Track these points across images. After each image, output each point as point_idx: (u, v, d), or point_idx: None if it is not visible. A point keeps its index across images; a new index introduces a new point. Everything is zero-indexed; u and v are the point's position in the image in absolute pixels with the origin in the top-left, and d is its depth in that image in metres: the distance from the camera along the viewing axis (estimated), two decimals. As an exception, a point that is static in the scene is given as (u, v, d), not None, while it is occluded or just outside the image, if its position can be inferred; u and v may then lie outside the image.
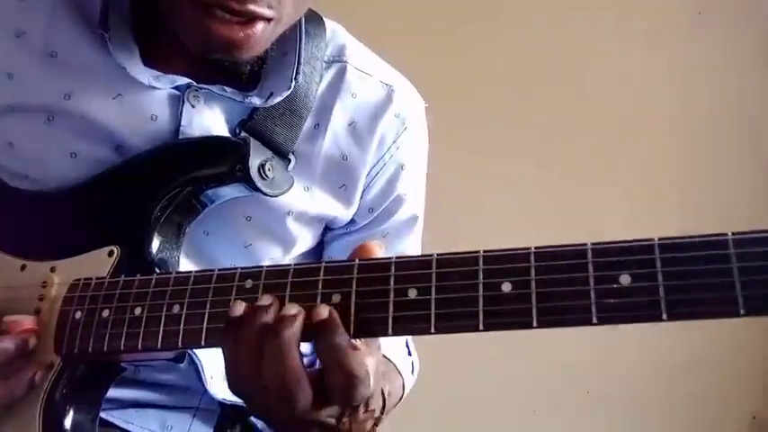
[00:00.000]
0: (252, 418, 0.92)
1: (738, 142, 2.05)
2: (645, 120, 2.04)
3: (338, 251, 0.98)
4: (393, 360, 0.91)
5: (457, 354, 1.92)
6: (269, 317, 0.60)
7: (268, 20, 0.74)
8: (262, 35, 0.75)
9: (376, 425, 0.71)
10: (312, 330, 0.60)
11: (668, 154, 2.06)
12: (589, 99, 2.04)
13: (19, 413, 0.71)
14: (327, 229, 0.98)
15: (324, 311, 0.59)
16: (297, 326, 0.59)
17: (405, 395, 0.93)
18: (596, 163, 2.05)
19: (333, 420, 0.63)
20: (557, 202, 2.03)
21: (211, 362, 0.85)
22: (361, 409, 0.65)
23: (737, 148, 2.05)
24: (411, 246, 1.01)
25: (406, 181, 0.96)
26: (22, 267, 0.79)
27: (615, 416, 2.07)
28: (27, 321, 0.72)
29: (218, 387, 0.86)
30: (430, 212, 1.07)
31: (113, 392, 0.83)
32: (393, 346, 0.96)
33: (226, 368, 0.63)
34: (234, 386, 0.63)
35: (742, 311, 0.47)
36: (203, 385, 0.85)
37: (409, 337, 1.02)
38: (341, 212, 0.93)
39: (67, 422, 0.71)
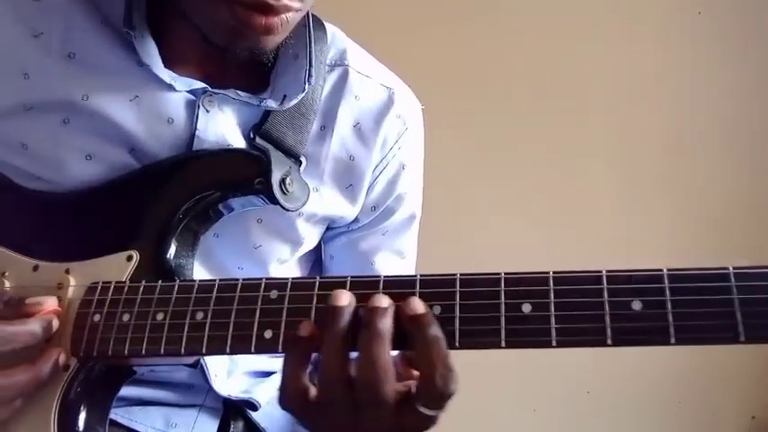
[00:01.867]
0: (255, 417, 0.97)
1: (738, 142, 2.12)
2: (644, 120, 2.11)
3: (340, 248, 1.06)
4: None
5: (457, 354, 1.99)
6: (351, 313, 0.63)
7: (297, 10, 0.81)
8: (290, 22, 0.81)
9: None
10: (405, 324, 0.62)
11: (667, 154, 2.13)
12: (588, 99, 2.11)
13: (33, 414, 0.74)
14: (328, 228, 1.04)
15: (420, 305, 0.62)
16: (389, 318, 0.62)
17: None
18: (595, 162, 2.12)
19: None
20: (555, 202, 2.10)
21: (216, 360, 0.92)
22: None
23: (737, 148, 2.12)
24: (408, 243, 1.09)
25: (407, 180, 1.04)
26: (35, 268, 0.83)
27: (615, 416, 2.14)
28: (50, 302, 0.76)
29: (223, 385, 0.93)
30: (431, 214, 1.15)
31: (118, 391, 0.89)
32: None
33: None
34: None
35: (742, 338, 0.55)
36: (208, 383, 0.92)
37: None
38: (347, 211, 1.00)
39: (81, 423, 0.75)
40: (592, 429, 2.16)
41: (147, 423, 0.94)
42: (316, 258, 1.09)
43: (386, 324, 0.62)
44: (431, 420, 0.64)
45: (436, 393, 0.61)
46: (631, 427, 2.17)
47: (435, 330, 0.62)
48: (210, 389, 0.93)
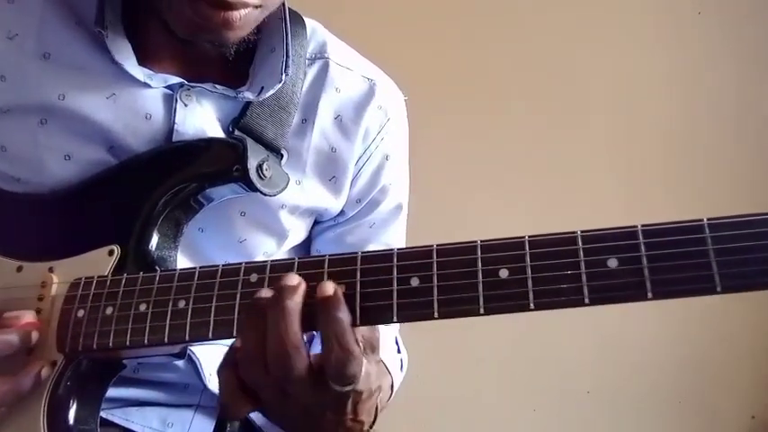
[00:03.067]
0: (250, 414, 0.94)
1: (738, 142, 2.12)
2: (644, 120, 2.10)
3: (327, 242, 1.06)
4: (383, 359, 0.95)
5: (457, 353, 1.97)
6: (269, 293, 0.65)
7: (255, 6, 0.82)
8: (248, 17, 0.82)
9: None
10: (316, 306, 0.64)
11: (667, 154, 2.12)
12: (588, 99, 2.10)
13: (23, 411, 0.74)
14: (315, 223, 1.05)
15: (329, 288, 0.64)
16: (298, 295, 0.64)
17: (393, 394, 0.98)
18: (595, 162, 2.11)
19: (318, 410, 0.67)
20: (555, 202, 2.08)
21: (210, 359, 0.91)
22: (349, 414, 0.69)
23: (737, 148, 2.11)
24: (396, 234, 1.09)
25: (391, 171, 1.04)
26: (19, 269, 0.83)
27: (615, 416, 2.12)
28: (27, 316, 0.77)
29: (218, 384, 0.94)
30: (420, 206, 1.15)
31: (114, 392, 0.87)
32: (383, 343, 1.04)
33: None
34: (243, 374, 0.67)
35: (719, 289, 0.55)
36: (202, 382, 0.91)
37: (398, 334, 1.09)
38: (331, 204, 1.00)
39: (71, 419, 0.75)
40: (592, 429, 2.14)
41: (144, 423, 0.94)
42: (306, 252, 1.09)
43: (294, 301, 0.64)
44: (347, 396, 0.66)
45: (334, 373, 0.63)
46: (631, 427, 2.15)
47: (339, 312, 0.63)
48: (205, 388, 0.93)
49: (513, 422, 2.10)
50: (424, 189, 1.15)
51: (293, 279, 0.65)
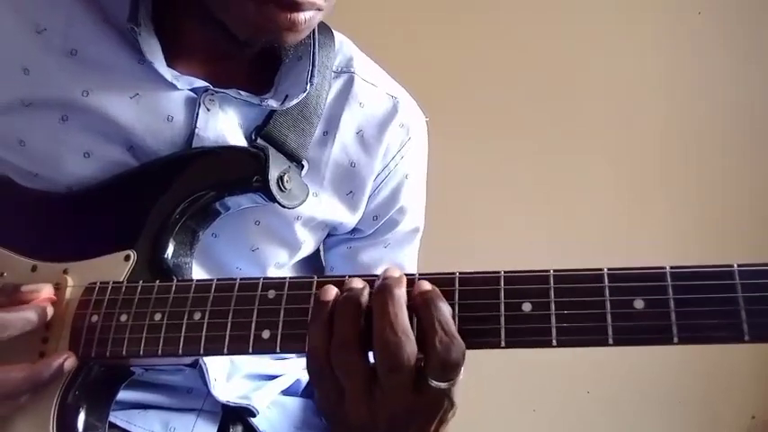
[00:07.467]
0: (254, 422, 0.96)
1: (738, 142, 2.12)
2: (644, 120, 2.11)
3: (340, 257, 1.05)
4: None
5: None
6: (366, 290, 0.64)
7: (318, 9, 0.81)
8: (312, 20, 0.82)
9: None
10: (414, 300, 0.63)
11: (667, 154, 2.13)
12: (588, 99, 2.11)
13: (33, 414, 0.74)
14: (329, 235, 1.04)
15: (427, 284, 0.64)
16: (404, 285, 0.63)
17: None
18: (595, 162, 2.12)
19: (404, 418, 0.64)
20: (555, 202, 2.10)
21: (216, 364, 0.91)
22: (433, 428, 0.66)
23: (737, 148, 2.12)
24: (409, 256, 1.09)
25: (410, 191, 1.04)
26: (33, 268, 0.82)
27: (615, 416, 2.14)
28: (46, 290, 0.76)
29: (222, 389, 0.92)
30: (431, 213, 1.14)
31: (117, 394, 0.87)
32: None
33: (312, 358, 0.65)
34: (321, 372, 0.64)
35: (747, 338, 0.54)
36: (207, 387, 0.90)
37: None
38: (347, 218, 0.99)
39: (80, 424, 0.75)
40: (592, 429, 2.16)
41: (146, 426, 0.93)
42: (316, 266, 1.09)
43: (402, 291, 0.63)
44: (444, 396, 0.63)
45: (438, 361, 0.61)
46: (631, 427, 2.16)
47: (442, 302, 0.62)
48: (209, 393, 0.92)
49: (514, 422, 2.12)
50: (431, 194, 1.14)
51: (397, 271, 0.65)
